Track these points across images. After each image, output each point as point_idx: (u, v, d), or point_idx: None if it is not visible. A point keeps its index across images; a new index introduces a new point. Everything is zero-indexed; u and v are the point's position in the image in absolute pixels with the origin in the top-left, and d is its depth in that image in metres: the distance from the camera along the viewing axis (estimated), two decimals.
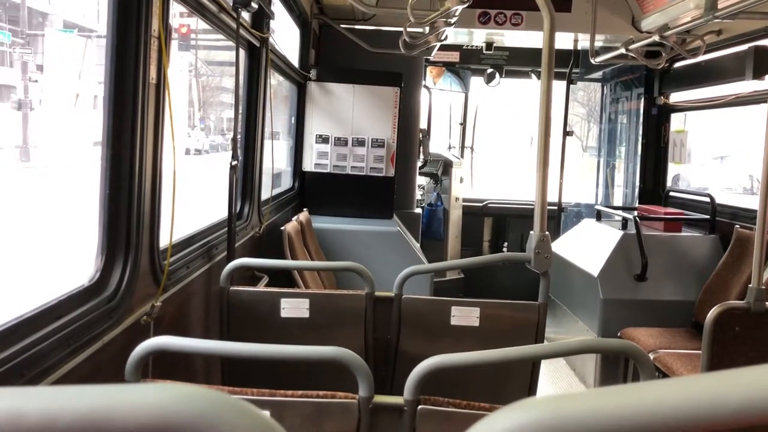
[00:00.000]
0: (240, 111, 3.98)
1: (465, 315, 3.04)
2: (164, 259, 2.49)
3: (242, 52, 3.94)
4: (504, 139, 34.07)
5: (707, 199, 5.92)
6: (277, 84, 5.31)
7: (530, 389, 3.08)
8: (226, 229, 3.40)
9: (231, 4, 3.23)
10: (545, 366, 5.71)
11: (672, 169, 7.26)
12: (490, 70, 7.73)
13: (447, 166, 7.88)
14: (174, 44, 2.95)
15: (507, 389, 3.07)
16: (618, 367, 5.37)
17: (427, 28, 4.42)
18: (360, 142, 5.60)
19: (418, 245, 5.81)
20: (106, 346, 2.05)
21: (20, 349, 1.67)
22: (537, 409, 0.59)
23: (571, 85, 7.71)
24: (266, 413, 1.88)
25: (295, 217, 4.74)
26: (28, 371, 1.68)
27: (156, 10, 2.26)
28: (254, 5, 3.36)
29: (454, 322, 3.05)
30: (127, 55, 2.17)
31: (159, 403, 0.58)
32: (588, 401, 0.59)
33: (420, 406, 1.80)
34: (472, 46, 7.49)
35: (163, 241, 2.51)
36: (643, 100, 7.19)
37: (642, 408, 0.57)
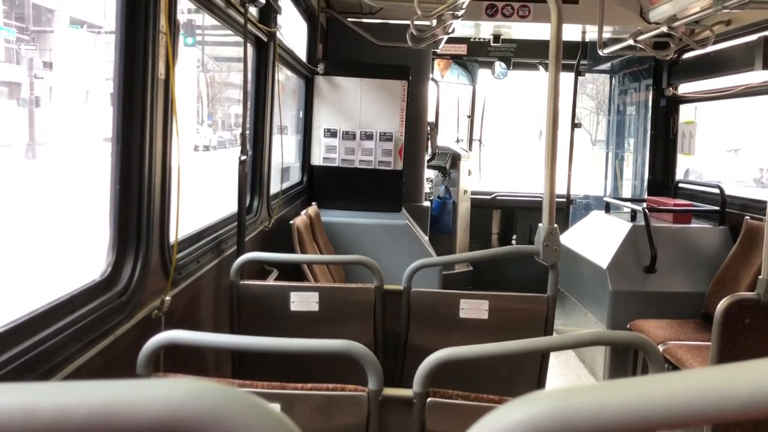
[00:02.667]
0: (248, 106, 3.98)
1: (474, 308, 3.04)
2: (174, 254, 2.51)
3: (250, 47, 3.94)
4: (512, 132, 34.00)
5: (717, 191, 5.89)
6: (285, 78, 5.31)
7: (539, 381, 3.08)
8: (235, 223, 3.42)
9: (238, 0, 3.24)
10: (554, 358, 5.71)
11: (681, 162, 7.22)
12: (497, 63, 7.72)
13: (455, 159, 7.87)
14: (181, 40, 2.96)
15: (516, 382, 3.07)
16: (627, 359, 5.36)
17: (435, 21, 4.42)
18: (368, 136, 5.60)
19: (426, 238, 5.81)
20: (117, 340, 2.06)
21: (32, 344, 1.69)
22: (547, 402, 0.59)
23: (580, 77, 7.68)
24: (276, 406, 1.88)
25: (304, 211, 4.74)
26: (40, 366, 1.70)
27: (163, 6, 2.27)
28: (261, 0, 3.36)
29: (463, 314, 3.05)
30: (135, 51, 2.18)
31: (169, 399, 0.59)
32: (598, 394, 0.59)
33: (429, 399, 1.80)
34: (479, 38, 7.48)
35: (173, 236, 2.52)
36: (651, 91, 7.15)
37: (652, 400, 0.57)
